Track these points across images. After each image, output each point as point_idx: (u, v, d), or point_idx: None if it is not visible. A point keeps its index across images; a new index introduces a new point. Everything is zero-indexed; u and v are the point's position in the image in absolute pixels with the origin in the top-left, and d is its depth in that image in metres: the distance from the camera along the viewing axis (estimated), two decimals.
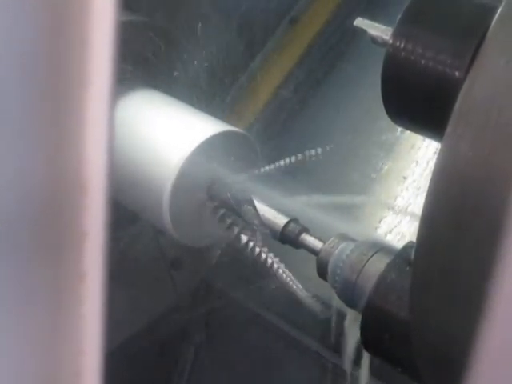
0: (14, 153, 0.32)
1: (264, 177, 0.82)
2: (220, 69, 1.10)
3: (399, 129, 1.09)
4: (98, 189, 0.33)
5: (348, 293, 0.64)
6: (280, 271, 0.76)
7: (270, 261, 0.76)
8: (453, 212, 0.45)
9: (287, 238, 0.74)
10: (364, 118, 1.12)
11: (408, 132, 1.07)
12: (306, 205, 0.77)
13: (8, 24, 0.30)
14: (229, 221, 0.81)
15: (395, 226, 1.01)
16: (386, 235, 1.01)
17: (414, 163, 1.08)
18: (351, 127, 1.14)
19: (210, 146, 0.82)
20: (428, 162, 1.05)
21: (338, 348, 0.94)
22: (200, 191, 0.82)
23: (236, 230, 0.80)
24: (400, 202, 1.05)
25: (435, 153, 1.07)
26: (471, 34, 0.46)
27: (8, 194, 0.32)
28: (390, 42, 0.49)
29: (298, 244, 0.73)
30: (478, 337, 0.27)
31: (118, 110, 0.86)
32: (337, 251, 0.66)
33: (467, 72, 0.45)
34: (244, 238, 0.79)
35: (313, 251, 0.70)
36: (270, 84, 1.17)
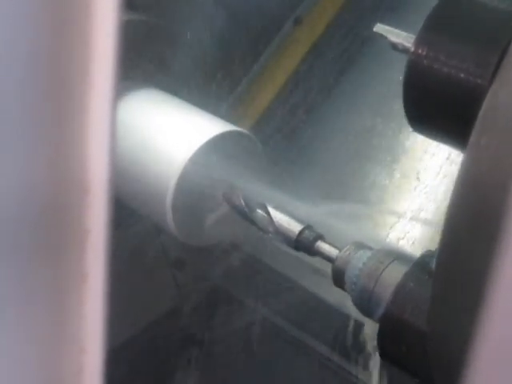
0: (16, 152, 0.32)
1: (269, 180, 0.81)
2: (223, 69, 1.10)
3: (410, 133, 1.08)
4: (101, 188, 0.33)
5: (365, 301, 0.63)
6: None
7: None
8: (476, 222, 0.44)
9: (302, 245, 0.73)
10: (369, 120, 1.11)
11: (420, 137, 1.07)
12: (314, 210, 0.76)
13: (9, 24, 0.30)
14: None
15: (408, 232, 1.01)
16: (398, 241, 1.01)
17: (426, 168, 1.07)
18: (355, 129, 1.14)
19: (213, 146, 0.81)
20: (441, 167, 1.05)
21: (345, 352, 0.94)
22: (203, 191, 0.82)
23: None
24: (412, 207, 1.04)
25: (447, 158, 1.07)
26: (495, 42, 0.46)
27: (10, 193, 0.32)
28: (413, 49, 0.49)
29: (313, 251, 0.72)
30: (477, 335, 0.27)
31: (121, 109, 0.86)
32: (353, 259, 0.65)
33: (491, 81, 0.45)
34: None
35: (328, 259, 0.70)
36: (273, 85, 1.17)
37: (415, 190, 1.06)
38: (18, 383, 0.34)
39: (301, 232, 0.73)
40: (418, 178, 1.06)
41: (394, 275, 0.61)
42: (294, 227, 0.74)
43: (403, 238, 1.01)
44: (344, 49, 1.20)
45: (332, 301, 0.90)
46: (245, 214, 0.79)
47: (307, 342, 1.03)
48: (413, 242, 1.01)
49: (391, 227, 1.03)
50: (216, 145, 0.82)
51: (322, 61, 1.19)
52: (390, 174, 1.08)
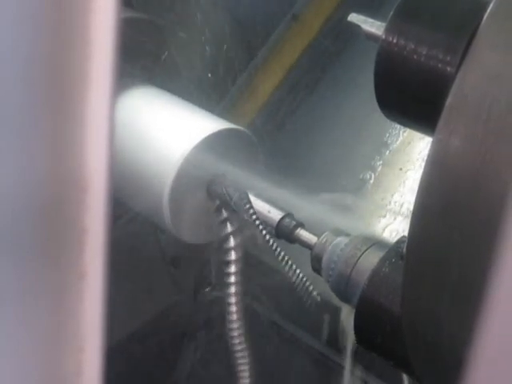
0: (13, 151, 0.32)
1: (261, 174, 0.82)
2: (220, 66, 1.10)
3: (397, 126, 1.09)
4: (99, 186, 0.33)
5: (342, 287, 0.64)
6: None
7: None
8: (444, 206, 0.45)
9: (282, 233, 0.74)
10: (364, 116, 1.12)
11: (406, 129, 1.08)
12: (303, 201, 0.77)
13: (9, 22, 0.30)
14: (224, 215, 0.81)
15: (389, 224, 1.02)
16: (381, 233, 1.01)
17: (411, 160, 1.08)
18: (351, 125, 1.14)
19: (210, 144, 0.82)
20: (424, 159, 1.05)
21: (330, 342, 0.94)
22: (200, 189, 0.82)
23: (229, 226, 0.81)
24: (396, 199, 1.05)
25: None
26: (463, 30, 0.46)
27: (8, 191, 0.32)
28: (383, 37, 0.50)
29: (292, 239, 0.73)
30: (475, 334, 0.28)
31: (118, 107, 0.86)
32: (331, 246, 0.66)
33: (459, 67, 0.45)
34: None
35: (307, 246, 0.71)
36: (270, 81, 1.17)
37: (399, 180, 1.07)
38: (17, 382, 0.35)
39: (281, 220, 0.74)
40: (401, 169, 1.07)
41: (371, 261, 0.61)
42: (275, 215, 0.75)
43: (384, 230, 1.02)
44: (341, 45, 1.20)
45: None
46: (227, 203, 0.80)
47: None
48: (396, 234, 1.02)
49: (374, 219, 1.04)
50: (212, 142, 0.82)
51: (319, 57, 1.20)
52: (375, 165, 1.09)
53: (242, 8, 1.12)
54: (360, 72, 1.15)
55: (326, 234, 0.68)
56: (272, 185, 0.79)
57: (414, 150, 1.08)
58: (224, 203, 0.81)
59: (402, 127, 1.08)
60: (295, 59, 1.18)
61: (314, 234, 0.71)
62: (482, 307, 0.27)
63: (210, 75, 1.07)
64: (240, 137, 0.86)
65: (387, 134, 1.10)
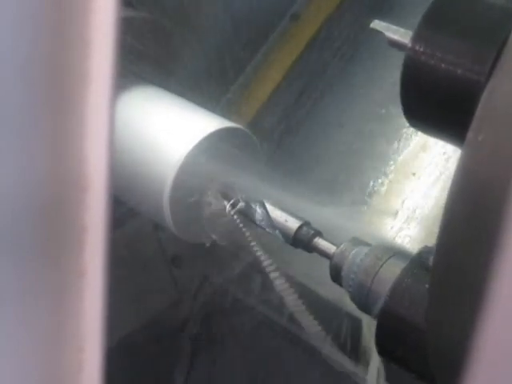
0: (14, 150, 0.32)
1: (264, 177, 0.81)
2: (221, 65, 1.10)
3: (409, 129, 1.09)
4: (99, 185, 0.33)
5: (362, 297, 0.63)
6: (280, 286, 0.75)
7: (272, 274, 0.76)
8: (473, 217, 0.44)
9: (300, 242, 0.73)
10: (365, 116, 1.12)
11: (418, 133, 1.07)
12: (308, 203, 0.76)
13: (9, 22, 0.30)
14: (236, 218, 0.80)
15: (402, 229, 1.01)
16: (394, 238, 1.01)
17: (423, 164, 1.08)
18: (351, 125, 1.14)
19: (210, 143, 0.81)
20: (437, 165, 1.05)
21: (344, 349, 0.94)
22: (201, 188, 0.82)
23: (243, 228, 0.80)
24: (409, 205, 1.04)
25: (444, 153, 1.07)
26: (493, 39, 0.46)
27: (8, 191, 0.32)
28: (410, 45, 0.49)
29: (310, 248, 0.72)
30: (476, 336, 0.27)
31: (118, 106, 0.86)
32: (351, 255, 0.65)
33: (489, 77, 0.45)
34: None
35: (326, 255, 0.70)
36: (270, 80, 1.17)
37: (410, 185, 1.06)
38: (17, 382, 0.34)
39: (299, 229, 0.74)
40: (414, 173, 1.06)
41: (392, 271, 0.61)
42: (292, 224, 0.74)
43: (399, 236, 1.01)
44: (341, 45, 1.20)
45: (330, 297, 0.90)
46: (243, 211, 0.79)
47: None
48: (409, 239, 1.01)
49: (387, 225, 1.04)
50: (213, 141, 0.82)
51: (318, 57, 1.20)
52: (387, 169, 1.08)
53: (242, 7, 1.12)
54: (362, 70, 1.15)
55: (345, 243, 0.67)
56: (275, 186, 0.78)
57: (427, 155, 1.07)
58: (237, 210, 0.80)
59: (413, 131, 1.08)
60: (295, 58, 1.18)
61: (332, 243, 0.70)
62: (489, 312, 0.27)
63: (210, 74, 1.07)
64: (241, 136, 0.85)
65: (399, 139, 1.10)
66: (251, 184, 0.79)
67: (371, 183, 1.07)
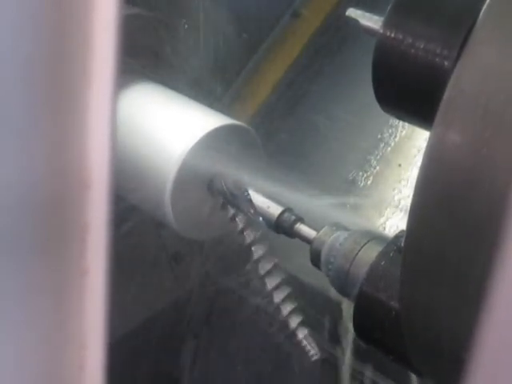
0: (16, 148, 0.32)
1: (263, 170, 0.82)
2: (222, 62, 1.10)
3: (396, 122, 1.09)
4: (101, 183, 0.33)
5: (341, 281, 0.64)
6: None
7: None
8: (441, 200, 0.45)
9: (282, 228, 0.74)
10: (365, 111, 1.12)
11: (405, 125, 1.08)
12: (304, 197, 0.77)
13: (9, 22, 0.30)
14: (231, 212, 0.81)
15: (389, 219, 1.02)
16: (380, 228, 1.02)
17: (411, 155, 1.08)
18: (352, 120, 1.14)
19: (212, 140, 0.82)
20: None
21: (332, 337, 0.94)
22: (202, 184, 0.83)
23: (239, 224, 0.81)
24: (395, 194, 1.05)
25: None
26: (460, 24, 0.46)
27: (11, 188, 0.32)
28: (381, 31, 0.50)
29: (292, 233, 0.73)
30: (477, 332, 0.28)
31: (120, 103, 0.86)
32: (330, 240, 0.66)
33: (456, 61, 0.46)
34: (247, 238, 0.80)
35: (307, 240, 0.71)
36: (271, 78, 1.18)
37: (399, 176, 1.07)
38: (19, 379, 0.35)
39: (281, 214, 0.75)
40: (401, 165, 1.07)
41: (369, 255, 0.62)
42: (274, 210, 0.75)
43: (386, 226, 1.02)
44: (341, 42, 1.20)
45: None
46: (228, 199, 0.80)
47: None
48: (396, 229, 1.02)
49: (376, 215, 1.04)
50: (214, 138, 0.82)
51: (319, 54, 1.20)
52: (375, 161, 1.09)
53: (243, 4, 1.12)
54: (362, 67, 1.15)
55: (324, 228, 0.68)
56: (273, 181, 0.79)
57: (413, 145, 1.08)
58: (227, 200, 0.81)
59: (401, 123, 1.09)
60: (296, 56, 1.19)
61: (313, 229, 0.71)
62: (482, 301, 0.27)
63: (210, 72, 1.08)
64: (242, 132, 0.86)
65: (387, 130, 1.10)
66: (252, 179, 0.80)
67: (358, 174, 1.08)
